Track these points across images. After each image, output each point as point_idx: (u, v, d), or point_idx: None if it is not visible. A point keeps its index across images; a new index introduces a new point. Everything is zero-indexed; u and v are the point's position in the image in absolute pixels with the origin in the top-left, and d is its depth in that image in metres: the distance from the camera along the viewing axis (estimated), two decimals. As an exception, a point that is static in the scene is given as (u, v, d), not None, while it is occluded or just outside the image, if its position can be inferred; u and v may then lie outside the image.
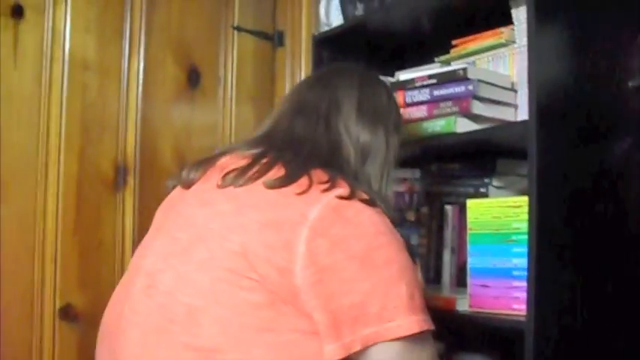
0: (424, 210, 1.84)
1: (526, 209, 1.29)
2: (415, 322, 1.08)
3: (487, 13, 1.58)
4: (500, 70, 1.58)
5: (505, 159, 1.65)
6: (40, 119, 1.86)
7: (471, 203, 1.47)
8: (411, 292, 1.10)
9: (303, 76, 2.34)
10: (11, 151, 1.81)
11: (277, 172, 1.14)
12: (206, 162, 1.26)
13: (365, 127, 1.28)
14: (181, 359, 1.05)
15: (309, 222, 1.06)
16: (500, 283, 1.38)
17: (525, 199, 1.30)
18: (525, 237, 1.29)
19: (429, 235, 1.81)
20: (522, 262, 1.30)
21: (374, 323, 1.06)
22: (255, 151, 1.23)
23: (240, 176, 1.15)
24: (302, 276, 1.04)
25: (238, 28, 2.28)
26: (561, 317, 1.29)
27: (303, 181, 1.11)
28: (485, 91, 1.50)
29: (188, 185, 1.25)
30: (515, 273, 1.36)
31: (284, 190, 1.11)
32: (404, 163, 1.89)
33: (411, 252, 1.18)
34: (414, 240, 1.86)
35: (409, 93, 1.63)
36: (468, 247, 1.47)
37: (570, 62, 1.37)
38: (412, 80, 1.62)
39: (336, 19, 2.14)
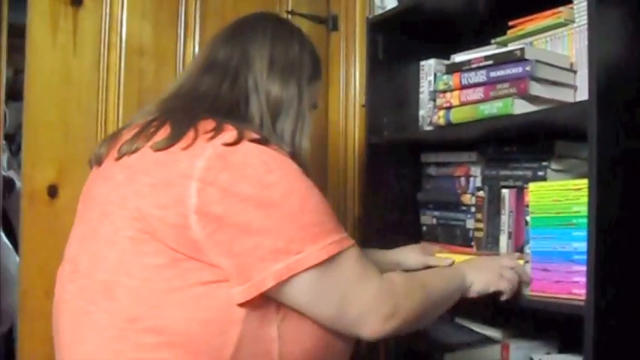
0: (480, 194, 1.81)
1: (586, 192, 1.26)
2: (323, 248, 1.09)
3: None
4: (559, 51, 1.54)
5: (564, 141, 1.62)
6: (98, 104, 1.89)
7: (532, 186, 1.45)
8: (316, 219, 1.11)
9: (357, 60, 2.33)
10: (71, 136, 1.84)
11: (164, 132, 1.14)
12: (111, 138, 1.26)
13: (275, 82, 1.27)
14: (106, 337, 1.08)
15: (196, 174, 1.06)
16: (561, 266, 1.36)
17: (585, 181, 1.27)
18: (585, 220, 1.27)
19: (485, 220, 1.78)
20: (582, 245, 1.28)
21: (283, 258, 1.06)
22: (150, 117, 1.22)
23: (130, 144, 1.16)
24: (198, 228, 1.05)
25: (292, 12, 2.28)
26: (621, 302, 1.27)
27: (189, 136, 1.11)
28: (543, 72, 1.47)
29: (99, 163, 1.25)
30: (576, 257, 1.33)
31: (171, 149, 1.10)
32: (460, 146, 1.89)
33: None
34: (470, 224, 1.84)
35: (465, 75, 1.61)
36: (530, 230, 1.45)
37: (631, 41, 1.33)
38: (468, 62, 1.60)
39: (390, 2, 2.12)
